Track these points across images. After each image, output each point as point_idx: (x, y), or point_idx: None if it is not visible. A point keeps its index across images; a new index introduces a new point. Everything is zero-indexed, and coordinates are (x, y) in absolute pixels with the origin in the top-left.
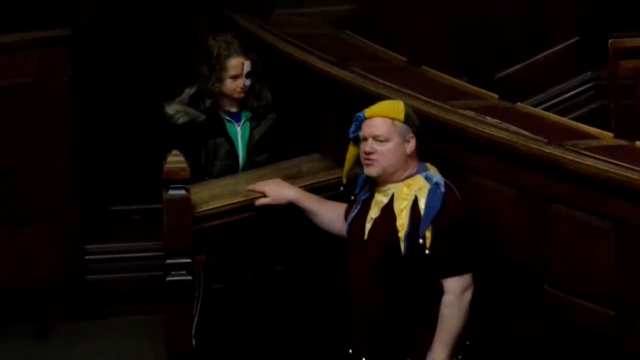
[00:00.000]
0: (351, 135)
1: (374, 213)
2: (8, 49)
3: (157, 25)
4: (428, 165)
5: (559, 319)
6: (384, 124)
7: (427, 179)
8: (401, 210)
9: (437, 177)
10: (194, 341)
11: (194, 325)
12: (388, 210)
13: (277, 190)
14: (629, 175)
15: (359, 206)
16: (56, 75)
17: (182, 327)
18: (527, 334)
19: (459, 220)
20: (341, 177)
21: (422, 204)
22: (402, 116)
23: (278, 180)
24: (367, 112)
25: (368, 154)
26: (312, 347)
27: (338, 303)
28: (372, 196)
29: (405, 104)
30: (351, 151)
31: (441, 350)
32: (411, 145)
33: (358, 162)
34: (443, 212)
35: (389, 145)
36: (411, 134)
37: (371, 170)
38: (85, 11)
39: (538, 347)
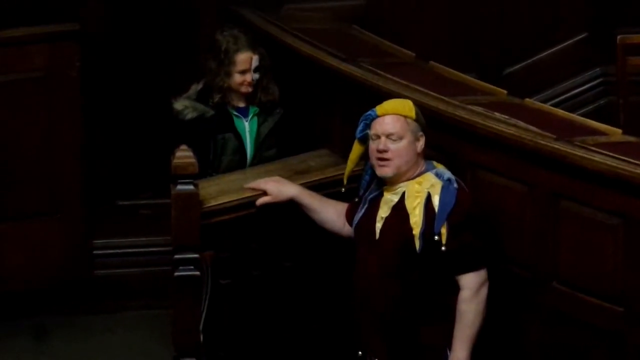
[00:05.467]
0: (359, 135)
1: (384, 212)
2: (17, 43)
3: (165, 20)
4: (435, 162)
5: (566, 315)
6: (397, 122)
7: (438, 175)
8: (414, 208)
9: (448, 173)
10: (201, 336)
11: (202, 320)
12: (399, 209)
13: (277, 187)
14: (637, 171)
15: (365, 206)
16: (64, 70)
17: (189, 322)
18: (534, 330)
19: (472, 215)
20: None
21: (435, 201)
22: (413, 114)
23: (278, 177)
24: (379, 110)
25: (381, 152)
26: (320, 344)
27: (346, 299)
28: (380, 195)
29: (413, 102)
30: (356, 150)
31: (461, 347)
32: (421, 144)
33: (360, 162)
34: (457, 208)
35: (403, 144)
36: (421, 132)
37: (386, 171)
38: (94, 6)
39: (545, 343)
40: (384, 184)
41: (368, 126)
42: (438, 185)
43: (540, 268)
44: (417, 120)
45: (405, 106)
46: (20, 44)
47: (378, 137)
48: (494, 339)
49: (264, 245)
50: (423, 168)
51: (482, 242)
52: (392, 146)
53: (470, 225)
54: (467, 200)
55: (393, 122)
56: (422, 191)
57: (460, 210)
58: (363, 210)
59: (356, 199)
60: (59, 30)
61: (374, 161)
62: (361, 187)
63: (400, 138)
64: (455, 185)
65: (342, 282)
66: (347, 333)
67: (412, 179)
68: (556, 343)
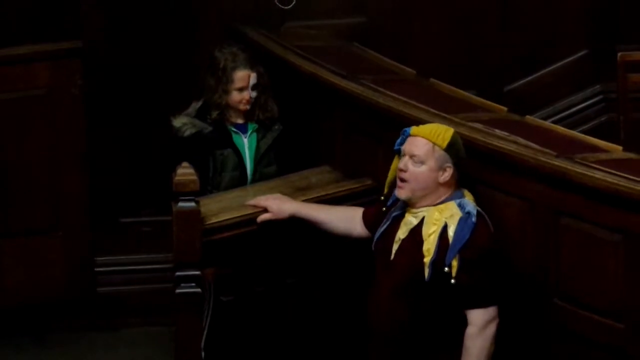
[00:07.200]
0: (395, 147)
1: (402, 234)
2: (19, 61)
3: (167, 38)
4: (465, 191)
5: (568, 331)
6: (423, 146)
7: (460, 206)
8: (429, 235)
9: (471, 206)
10: (203, 354)
11: (204, 338)
12: (416, 233)
13: (278, 204)
14: (638, 188)
15: (388, 222)
16: (67, 87)
17: (191, 340)
18: (536, 346)
19: (487, 252)
20: (351, 189)
21: (451, 232)
22: (444, 144)
23: (279, 195)
24: (413, 129)
25: (400, 170)
26: None
27: (350, 316)
28: (402, 215)
29: (456, 132)
30: (395, 162)
31: None
32: (446, 175)
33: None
34: (471, 243)
35: (422, 169)
36: (449, 164)
37: (400, 193)
38: (95, 23)
39: (547, 358)
40: (407, 204)
41: (404, 142)
42: (457, 216)
43: (542, 284)
44: (447, 150)
45: (440, 134)
46: (23, 62)
47: (404, 155)
48: (495, 353)
49: (266, 262)
50: (449, 196)
51: (496, 279)
52: (412, 168)
53: (484, 262)
54: (483, 236)
55: (420, 145)
56: (440, 220)
57: (474, 246)
58: (385, 227)
59: (384, 209)
60: (61, 48)
61: (397, 178)
62: (390, 199)
63: (422, 163)
64: (474, 219)
65: (346, 299)
66: (352, 350)
67: (435, 205)
68: (557, 359)
